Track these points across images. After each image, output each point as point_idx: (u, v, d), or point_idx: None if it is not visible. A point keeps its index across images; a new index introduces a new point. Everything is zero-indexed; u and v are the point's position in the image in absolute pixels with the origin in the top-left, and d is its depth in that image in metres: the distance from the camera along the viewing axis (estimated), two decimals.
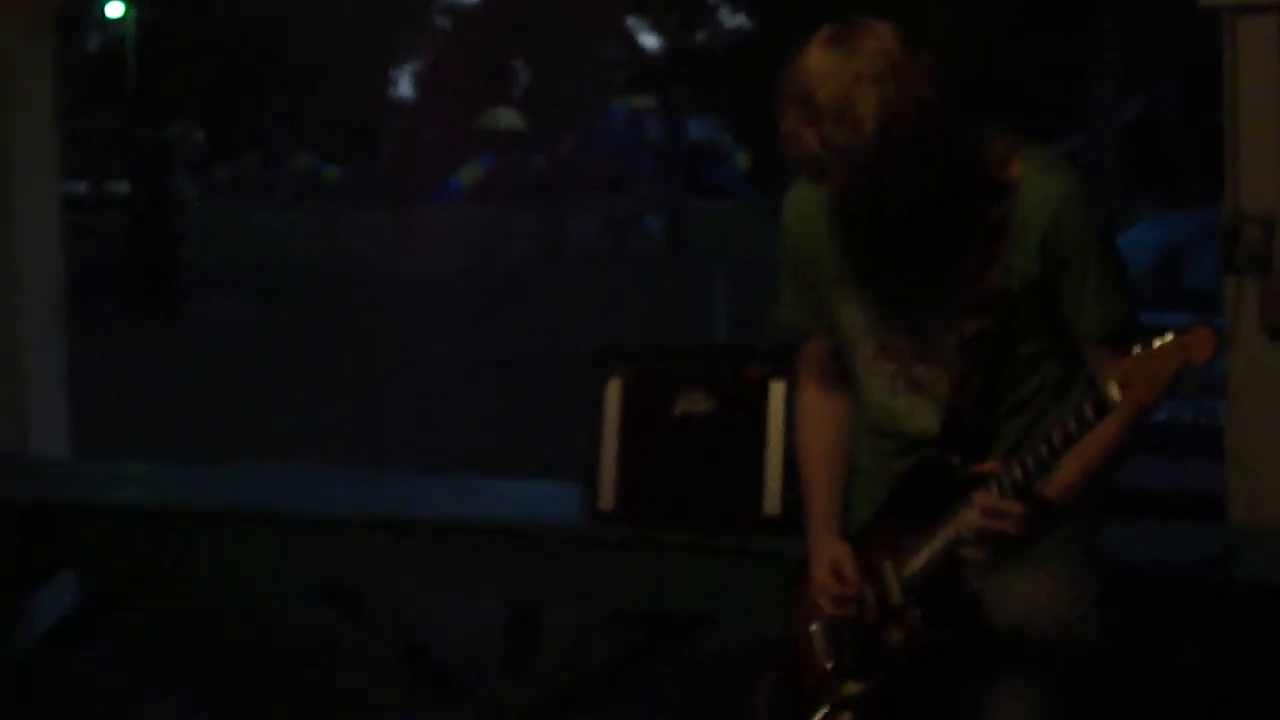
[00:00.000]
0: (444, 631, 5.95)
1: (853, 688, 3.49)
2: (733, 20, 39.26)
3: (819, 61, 3.23)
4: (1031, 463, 3.26)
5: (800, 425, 3.71)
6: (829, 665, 3.54)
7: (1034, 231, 3.33)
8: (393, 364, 15.71)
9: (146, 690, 6.18)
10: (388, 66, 56.34)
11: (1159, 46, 25.35)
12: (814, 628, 3.57)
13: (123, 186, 23.19)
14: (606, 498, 5.06)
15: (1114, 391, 3.14)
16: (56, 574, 5.98)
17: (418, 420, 12.59)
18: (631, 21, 39.40)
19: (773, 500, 4.92)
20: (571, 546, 5.12)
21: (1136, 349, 3.12)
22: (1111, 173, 18.79)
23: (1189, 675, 4.67)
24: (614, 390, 5.09)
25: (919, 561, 3.40)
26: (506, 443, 11.37)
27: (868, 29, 3.25)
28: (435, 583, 5.39)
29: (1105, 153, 18.81)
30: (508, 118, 49.11)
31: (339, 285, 23.03)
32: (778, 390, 4.94)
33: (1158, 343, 3.12)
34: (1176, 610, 4.59)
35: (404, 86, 59.59)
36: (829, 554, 3.52)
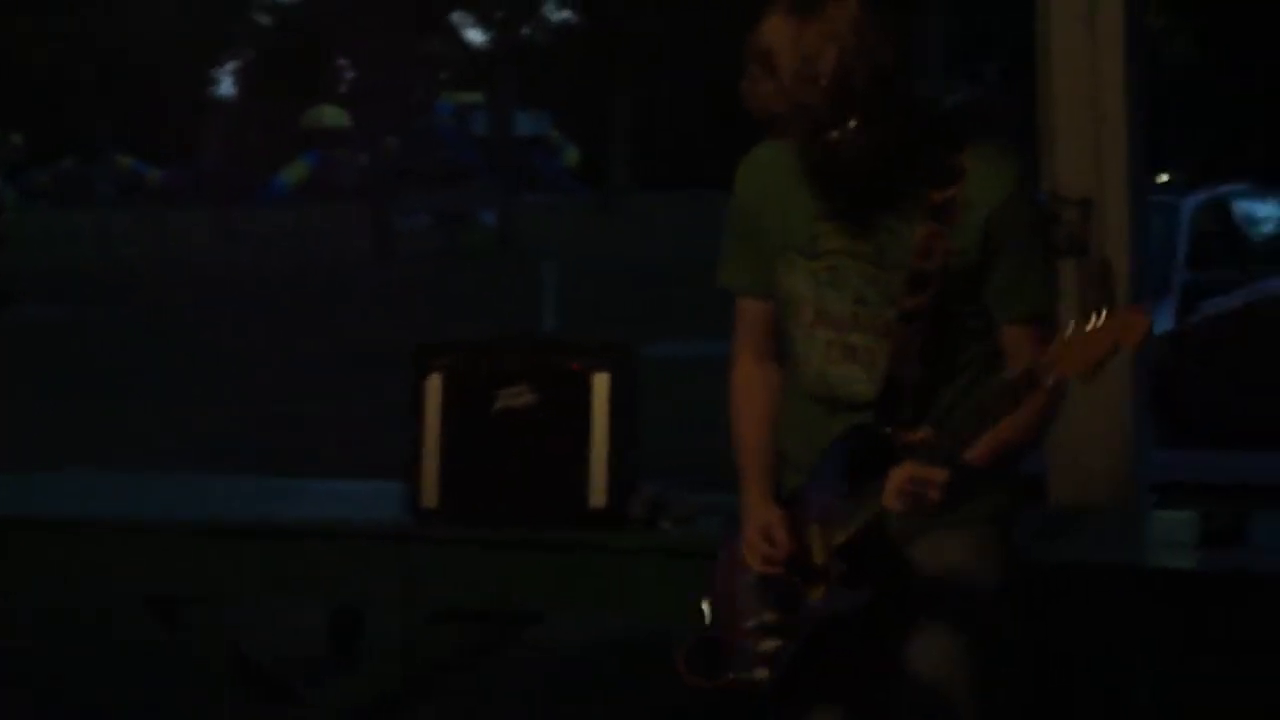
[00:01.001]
0: (267, 635, 5.84)
1: (770, 644, 3.52)
2: (559, 14, 39.27)
3: (781, 20, 3.35)
4: (961, 434, 3.35)
5: (735, 389, 3.75)
6: (750, 622, 3.56)
7: (979, 215, 3.44)
8: (217, 365, 15.53)
9: None
10: (208, 66, 55.77)
11: (980, 30, 25.64)
12: (740, 585, 3.60)
13: None
14: (429, 495, 5.00)
15: (1047, 369, 3.22)
16: None
17: (242, 422, 12.44)
18: (457, 16, 39.23)
19: (598, 493, 4.88)
20: (393, 545, 5.04)
21: (1069, 330, 3.20)
22: None
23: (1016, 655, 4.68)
24: (434, 386, 5.03)
25: (847, 526, 3.46)
26: (333, 442, 11.25)
27: None
28: (257, 585, 5.29)
29: None
30: (332, 115, 48.75)
31: (162, 287, 22.74)
32: (601, 382, 4.90)
33: (1091, 324, 3.19)
34: (1013, 576, 4.60)
35: (225, 85, 59.02)
36: (762, 516, 3.57)
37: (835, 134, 3.35)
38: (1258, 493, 5.29)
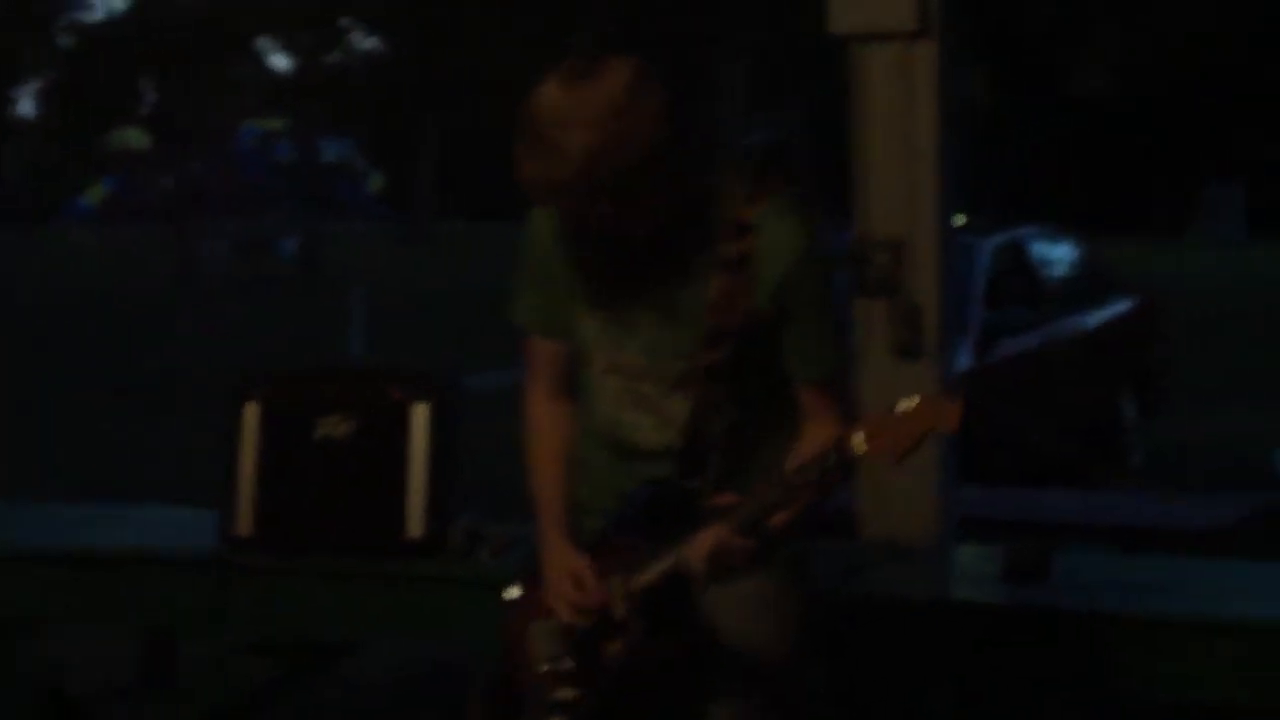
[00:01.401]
0: (81, 664, 5.78)
1: (566, 693, 3.52)
2: (366, 42, 39.09)
3: (548, 93, 3.32)
4: (769, 502, 3.36)
5: (529, 429, 3.73)
6: (545, 668, 3.55)
7: (771, 274, 3.43)
8: (18, 390, 15.25)
9: None
10: (7, 84, 54.76)
11: (782, 75, 25.93)
12: (536, 630, 3.58)
13: None
14: (244, 524, 4.98)
15: (860, 446, 3.26)
16: None
17: (47, 448, 12.23)
18: (262, 42, 38.92)
19: (415, 523, 4.90)
20: (208, 573, 5.02)
21: (883, 412, 3.25)
22: None
23: (822, 687, 4.76)
24: (251, 414, 5.02)
25: (647, 578, 3.46)
26: (139, 469, 11.11)
27: (601, 68, 3.33)
28: (69, 614, 5.24)
29: None
30: (135, 137, 48.09)
31: None
32: (419, 412, 4.93)
33: (906, 406, 3.24)
34: (813, 626, 4.68)
35: (25, 106, 58.00)
36: (568, 564, 3.54)
37: (590, 217, 3.34)
38: (1058, 530, 5.42)
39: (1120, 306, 12.30)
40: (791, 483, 3.36)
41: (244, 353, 15.07)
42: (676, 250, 3.43)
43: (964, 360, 9.40)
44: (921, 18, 5.09)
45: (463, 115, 38.02)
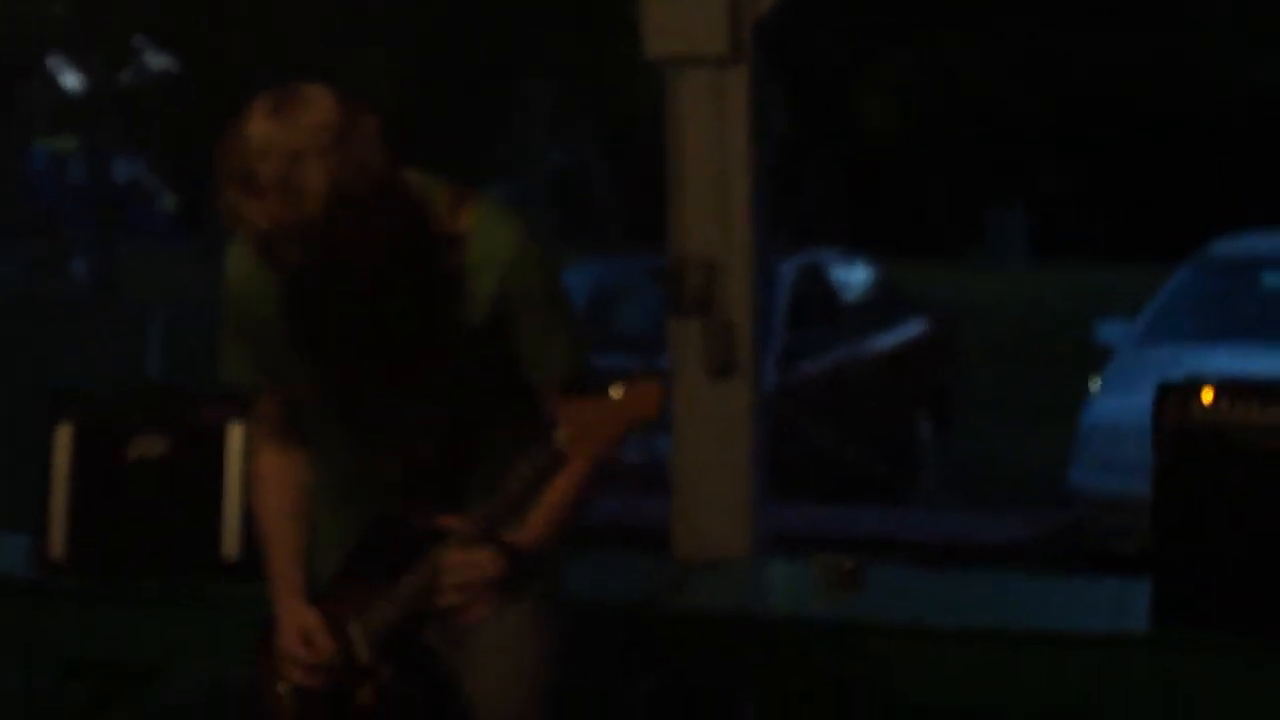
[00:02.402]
0: None
1: None
2: (158, 61, 38.55)
3: (259, 136, 3.15)
4: (493, 514, 3.31)
5: (257, 485, 3.59)
6: None
7: (487, 282, 3.34)
8: None
9: None
10: None
11: (580, 99, 26.05)
12: (281, 690, 3.49)
13: None
14: (57, 547, 4.93)
15: (564, 445, 3.22)
16: None
17: None
18: (52, 61, 38.27)
19: (231, 543, 4.89)
20: (18, 598, 4.96)
21: (581, 403, 3.20)
22: (539, 221, 19.19)
23: (644, 703, 4.82)
24: (64, 436, 4.97)
25: (383, 618, 3.39)
26: None
27: (306, 99, 3.19)
28: None
29: (532, 201, 19.22)
30: None
31: None
32: (235, 432, 4.91)
33: (602, 400, 3.20)
34: (629, 640, 4.74)
35: None
36: (297, 621, 3.45)
37: (332, 252, 3.18)
38: (864, 545, 5.53)
39: (914, 327, 12.53)
40: (508, 488, 3.29)
41: (40, 373, 14.82)
42: (396, 277, 3.28)
43: (767, 379, 9.51)
44: (734, 43, 5.18)
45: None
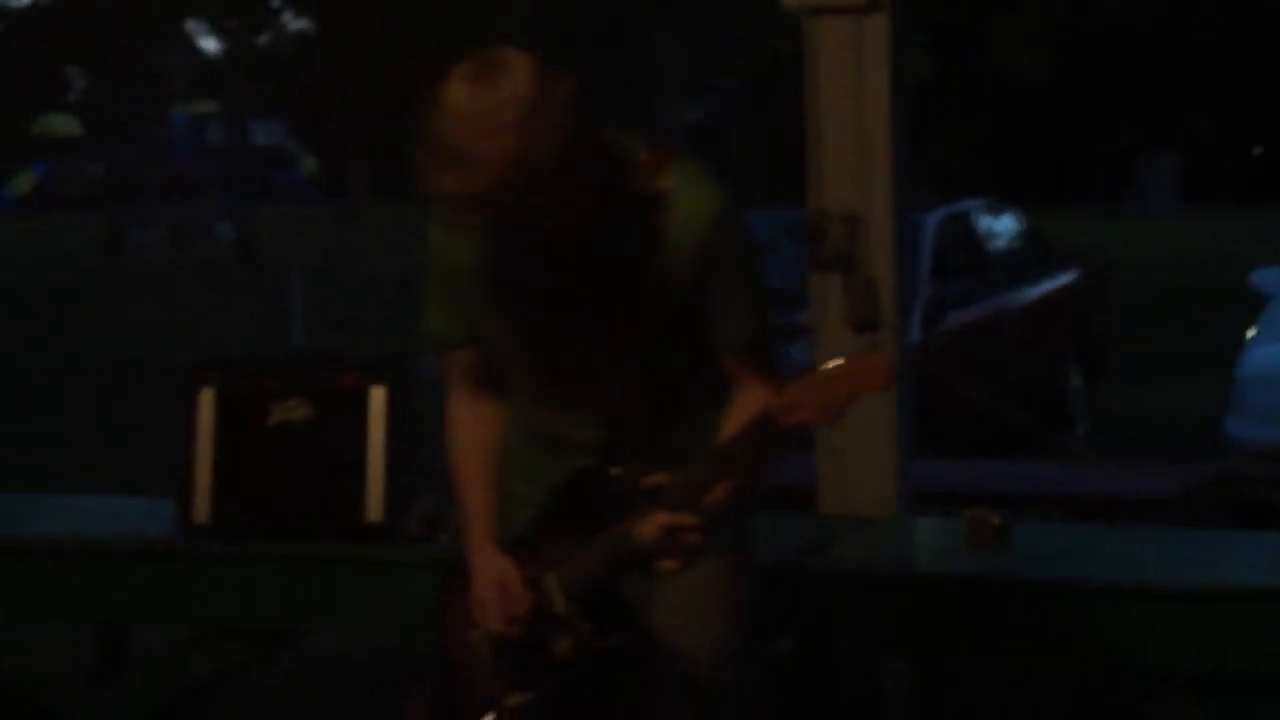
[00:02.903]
0: (31, 656, 5.73)
1: (518, 698, 3.47)
2: (295, 23, 38.88)
3: (453, 104, 3.21)
4: (702, 479, 3.32)
5: (453, 437, 3.64)
6: (492, 676, 3.50)
7: (688, 243, 3.36)
8: None
9: None
10: None
11: (715, 50, 25.92)
12: (474, 637, 3.52)
13: None
14: (202, 512, 4.95)
15: (785, 414, 3.22)
16: None
17: None
18: (191, 25, 38.65)
19: (374, 507, 4.87)
20: (164, 561, 4.98)
21: (806, 372, 3.20)
22: None
23: (784, 663, 4.78)
24: (207, 401, 4.98)
25: (581, 571, 3.41)
26: (80, 458, 11.02)
27: (504, 67, 3.23)
28: (20, 604, 5.18)
29: None
30: (63, 124, 47.75)
31: None
32: (377, 395, 4.90)
33: (829, 367, 3.20)
34: (773, 600, 4.68)
35: None
36: (492, 570, 3.48)
37: (522, 217, 3.25)
38: (1012, 501, 5.42)
39: (1064, 277, 12.36)
40: (723, 456, 3.32)
41: (184, 340, 14.98)
42: (598, 239, 3.34)
43: (912, 334, 9.42)
44: None
45: (394, 98, 37.88)
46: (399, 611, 4.86)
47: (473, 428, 3.61)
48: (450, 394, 3.65)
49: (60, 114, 48.60)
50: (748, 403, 3.43)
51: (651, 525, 3.33)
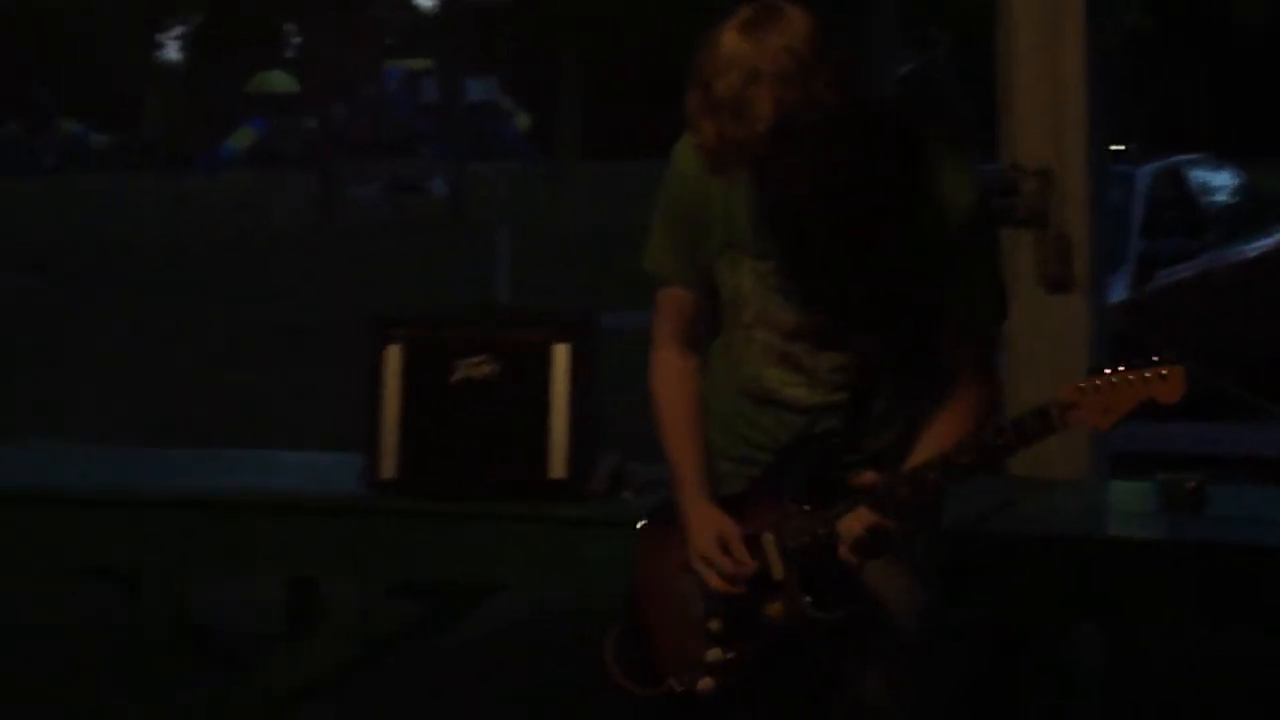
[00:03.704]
0: (224, 608, 5.81)
1: (717, 654, 3.43)
2: None
3: (725, 49, 3.20)
4: (920, 486, 3.27)
5: (659, 381, 3.60)
6: (695, 629, 3.47)
7: (941, 220, 3.30)
8: (167, 335, 15.42)
9: None
10: (154, 30, 55.38)
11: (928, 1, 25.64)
12: (684, 587, 3.49)
13: None
14: (388, 467, 4.97)
15: (1065, 414, 3.16)
16: None
17: (194, 392, 12.35)
18: None
19: (558, 464, 4.86)
20: (351, 517, 5.02)
21: (1095, 376, 3.14)
22: None
23: (973, 628, 4.71)
24: (393, 357, 5.00)
25: (802, 541, 3.36)
26: (285, 413, 11.19)
27: (782, 19, 3.21)
28: (212, 558, 5.26)
29: None
30: (280, 80, 48.45)
31: (109, 255, 22.56)
32: (561, 353, 4.88)
33: (1121, 373, 3.13)
34: (958, 562, 4.61)
35: (171, 50, 58.65)
36: (713, 526, 3.44)
37: (777, 171, 3.19)
38: (1214, 463, 5.30)
39: None
40: (952, 463, 3.24)
41: (391, 295, 15.15)
42: (853, 202, 3.23)
43: (1120, 291, 9.25)
44: None
45: (608, 53, 38.00)
46: (583, 568, 4.85)
47: (681, 379, 3.57)
48: (656, 341, 3.61)
49: (277, 70, 49.34)
50: (965, 398, 3.39)
51: (857, 523, 3.28)
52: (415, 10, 42.56)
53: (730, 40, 3.20)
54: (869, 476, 3.30)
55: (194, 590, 5.36)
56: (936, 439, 3.34)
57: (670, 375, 3.59)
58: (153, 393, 12.37)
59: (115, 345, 14.92)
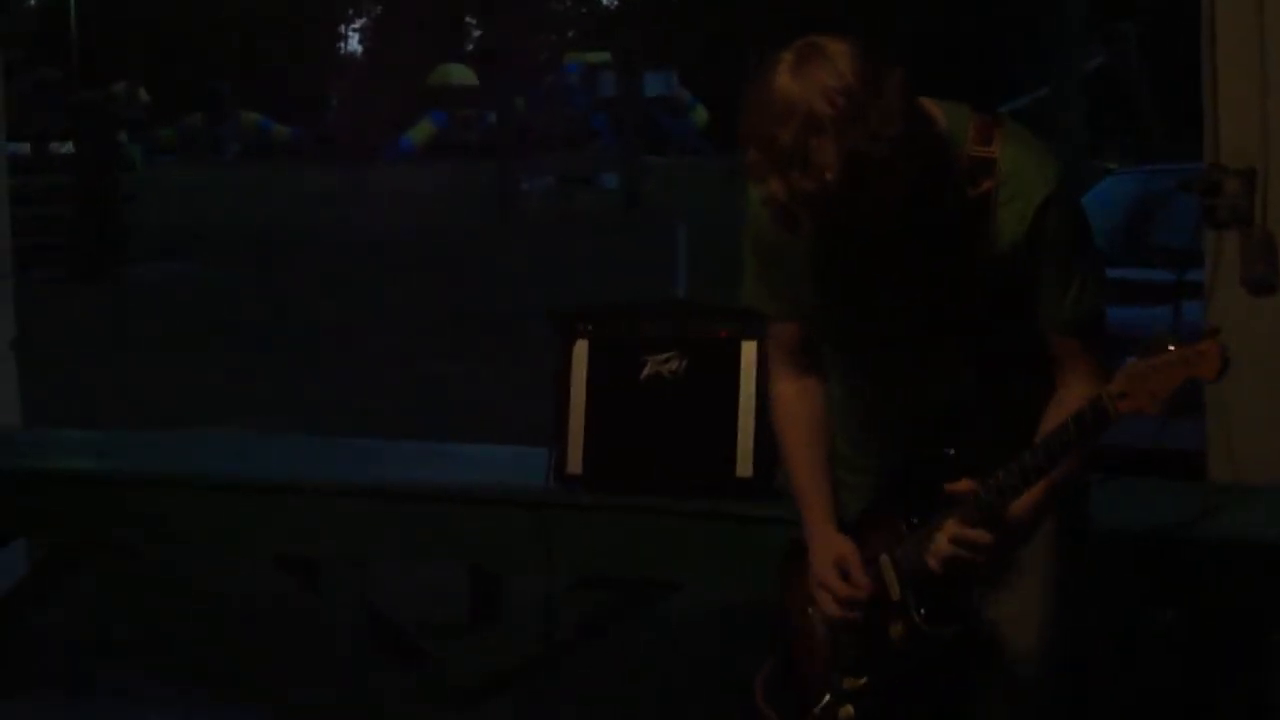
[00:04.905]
0: (409, 598, 5.83)
1: (854, 681, 3.42)
2: None
3: (780, 98, 3.09)
4: (1011, 481, 3.21)
5: (777, 412, 3.59)
6: (828, 656, 3.46)
7: (1014, 218, 3.23)
8: (347, 326, 15.56)
9: (100, 658, 6.06)
10: (336, 23, 56.07)
11: None
12: (813, 616, 3.49)
13: (66, 147, 22.78)
14: (574, 462, 4.96)
15: (1114, 403, 3.11)
16: (9, 541, 5.86)
17: (374, 384, 12.44)
18: None
19: (745, 462, 4.82)
20: (538, 510, 5.01)
21: (1144, 359, 3.08)
22: (1077, 125, 18.61)
23: (1167, 635, 4.61)
24: (581, 352, 4.99)
25: (911, 558, 3.32)
26: (467, 406, 11.24)
27: (827, 56, 3.09)
28: (398, 548, 5.28)
29: (1069, 105, 18.62)
30: (460, 73, 48.82)
31: (288, 246, 22.83)
32: (749, 350, 4.84)
33: (1161, 356, 3.08)
34: (1156, 570, 4.52)
35: (353, 43, 59.34)
36: (832, 550, 3.42)
37: (851, 215, 3.14)
38: None
39: None
40: (1033, 463, 3.20)
41: (567, 290, 15.17)
42: (923, 217, 3.22)
43: None
44: None
45: (787, 45, 37.79)
46: (767, 567, 4.80)
47: (801, 406, 3.54)
48: (773, 370, 3.59)
49: (457, 64, 49.69)
50: (1070, 393, 3.30)
51: (943, 536, 3.24)
52: (594, 3, 42.66)
53: (783, 87, 3.09)
54: (963, 484, 3.24)
55: (378, 580, 5.38)
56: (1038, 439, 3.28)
57: (786, 404, 3.56)
58: (332, 384, 12.48)
59: (296, 335, 15.09)
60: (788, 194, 3.11)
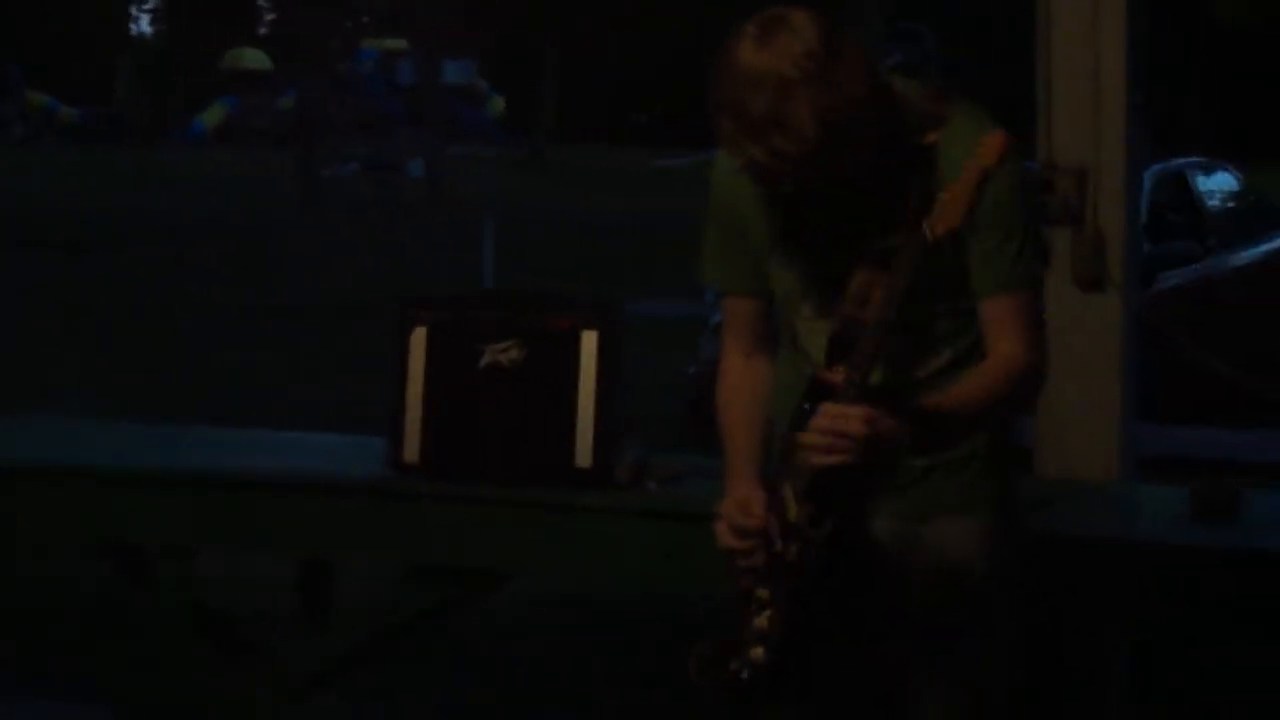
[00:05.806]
0: (237, 589, 5.75)
1: (763, 618, 3.38)
2: None
3: (746, 67, 3.18)
4: (890, 376, 3.30)
5: (723, 385, 3.61)
6: (747, 609, 3.42)
7: (964, 188, 3.27)
8: (155, 314, 15.30)
9: None
10: (126, 3, 55.14)
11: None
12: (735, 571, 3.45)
13: None
14: (411, 450, 4.91)
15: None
16: None
17: (190, 371, 12.25)
18: None
19: (584, 452, 4.80)
20: (371, 499, 4.95)
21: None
22: None
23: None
24: (418, 340, 4.94)
25: (800, 474, 3.32)
26: (288, 393, 11.11)
27: (792, 26, 3.19)
28: (227, 537, 5.19)
29: None
30: (253, 58, 48.22)
31: (81, 229, 22.37)
32: (589, 339, 4.82)
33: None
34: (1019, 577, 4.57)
35: (143, 23, 58.41)
36: (741, 491, 3.43)
37: (829, 174, 3.22)
38: (1245, 469, 5.27)
39: None
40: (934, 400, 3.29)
41: (376, 278, 15.06)
42: (874, 178, 3.29)
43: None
44: None
45: (583, 38, 37.92)
46: (605, 558, 4.81)
47: (744, 379, 3.58)
48: (726, 342, 3.63)
49: (250, 47, 49.06)
50: (997, 357, 3.36)
51: (814, 423, 3.25)
52: None
53: (750, 56, 3.18)
54: (829, 373, 3.30)
55: (204, 570, 5.29)
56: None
57: (732, 381, 3.60)
58: (137, 372, 12.27)
59: (93, 323, 14.80)
60: (769, 158, 3.18)
